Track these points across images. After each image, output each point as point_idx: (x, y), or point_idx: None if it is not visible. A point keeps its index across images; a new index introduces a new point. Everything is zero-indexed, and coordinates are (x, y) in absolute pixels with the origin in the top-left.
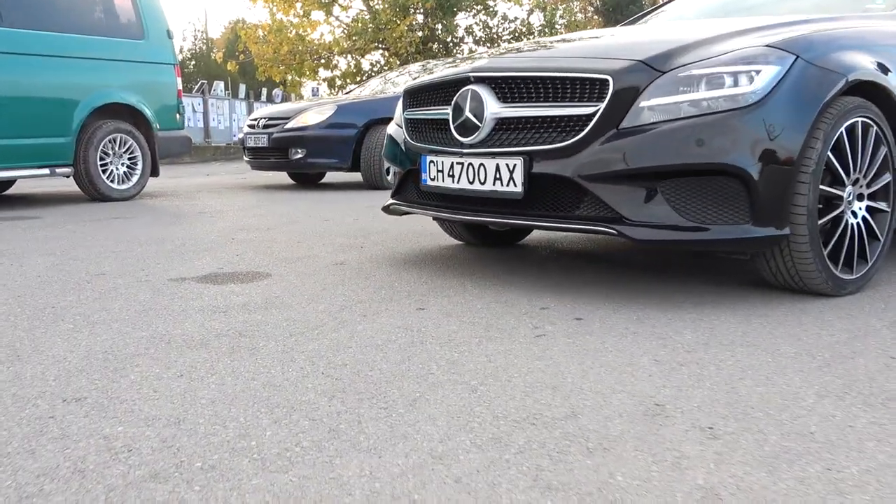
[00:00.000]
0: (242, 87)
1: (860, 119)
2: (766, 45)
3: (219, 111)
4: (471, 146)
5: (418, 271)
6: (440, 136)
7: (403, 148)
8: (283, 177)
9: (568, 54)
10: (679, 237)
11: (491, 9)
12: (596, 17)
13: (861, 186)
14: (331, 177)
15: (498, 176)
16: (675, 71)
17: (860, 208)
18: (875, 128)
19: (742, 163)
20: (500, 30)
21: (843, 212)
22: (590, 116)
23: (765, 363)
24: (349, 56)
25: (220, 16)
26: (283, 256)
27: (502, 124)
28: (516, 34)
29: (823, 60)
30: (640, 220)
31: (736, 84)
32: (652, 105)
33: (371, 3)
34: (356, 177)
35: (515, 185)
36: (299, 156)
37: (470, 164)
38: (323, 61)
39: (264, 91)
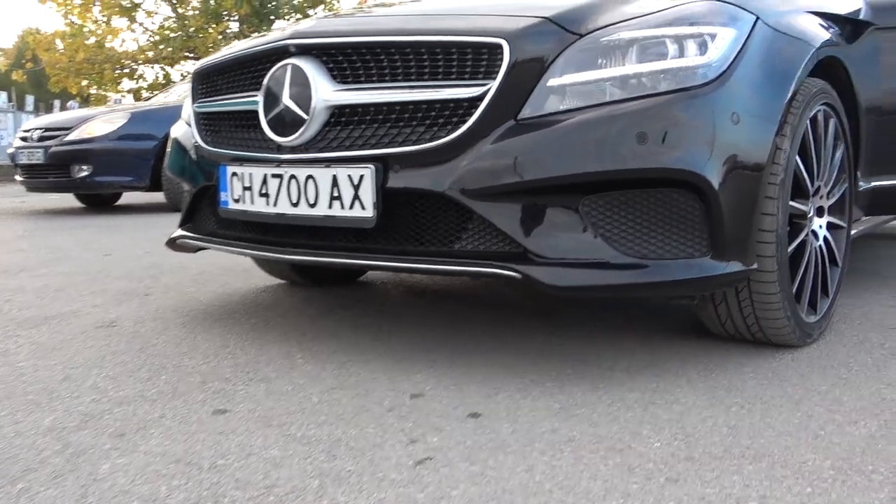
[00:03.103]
0: (31, 99)
1: (822, 108)
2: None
3: (1, 125)
4: (293, 150)
5: (223, 333)
6: (247, 137)
7: (194, 155)
8: (70, 199)
9: (438, 10)
10: (611, 280)
11: (310, 17)
12: None
13: (822, 198)
14: (131, 197)
15: (336, 194)
16: (597, 34)
17: (821, 226)
18: (835, 119)
19: (698, 167)
20: None
21: (807, 234)
22: (475, 102)
23: (808, 499)
24: (156, 66)
25: (13, 24)
26: (25, 317)
27: (341, 116)
28: None
29: (787, 24)
30: (552, 256)
31: (682, 53)
32: (565, 84)
33: (180, 10)
34: (160, 197)
35: (363, 206)
36: (84, 173)
37: (292, 176)
38: (126, 71)
39: (57, 103)
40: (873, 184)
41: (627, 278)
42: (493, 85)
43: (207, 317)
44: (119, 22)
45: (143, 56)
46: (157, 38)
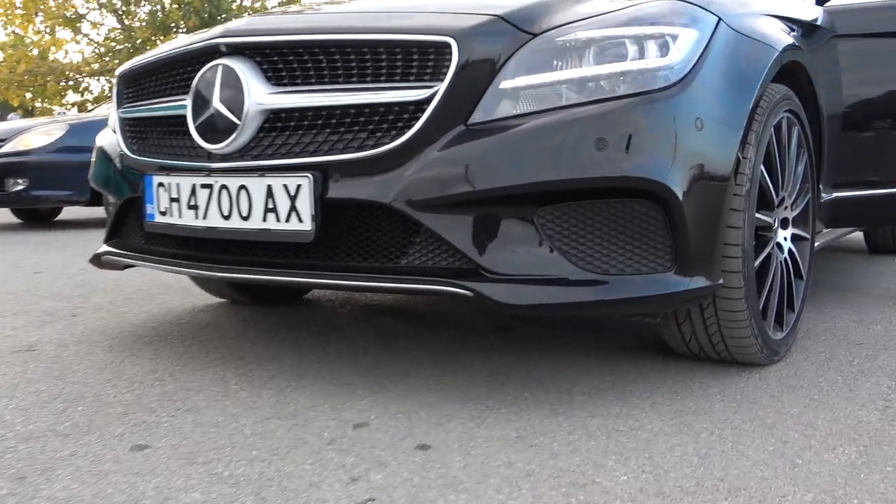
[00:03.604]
0: None
1: (785, 115)
2: None
3: None
4: (224, 158)
5: (153, 358)
6: (175, 145)
7: (119, 165)
8: (6, 214)
9: (383, 8)
10: (569, 297)
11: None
12: None
13: (786, 209)
14: (71, 213)
15: (271, 206)
16: (552, 34)
17: (785, 238)
18: (798, 127)
19: (660, 175)
20: None
21: (772, 247)
22: (421, 106)
23: None
24: (102, 78)
25: None
26: None
27: (276, 121)
28: None
29: (749, 27)
30: (506, 272)
31: (642, 54)
32: (518, 87)
33: (127, 21)
34: (101, 212)
35: (301, 219)
36: (20, 187)
37: (223, 186)
38: (71, 83)
39: None
40: (834, 195)
41: (586, 295)
42: (441, 87)
43: (138, 339)
44: (63, 33)
45: (88, 68)
46: (102, 49)
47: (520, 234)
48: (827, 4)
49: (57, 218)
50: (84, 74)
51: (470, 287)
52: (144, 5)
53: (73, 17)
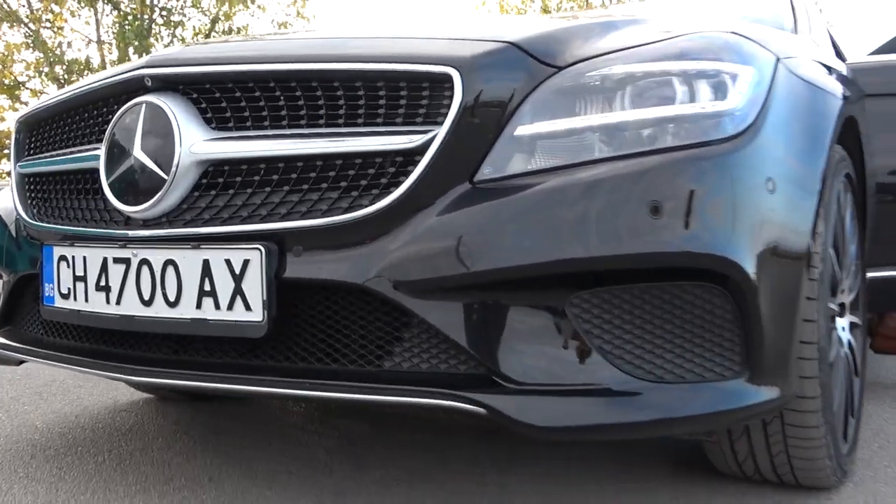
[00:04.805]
0: None
1: (843, 181)
2: (733, 32)
3: None
4: (147, 223)
5: (54, 480)
6: (84, 207)
7: (14, 232)
8: None
9: (362, 34)
10: (616, 416)
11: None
12: None
13: (842, 292)
14: None
15: (208, 288)
16: (581, 67)
17: (843, 328)
18: (850, 195)
19: (729, 251)
20: None
21: (837, 341)
22: (413, 156)
23: None
24: None
25: None
26: None
27: (218, 175)
28: None
29: (807, 71)
30: (529, 382)
31: (692, 97)
32: (538, 134)
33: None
34: None
35: (249, 306)
36: None
37: (144, 261)
38: (6, 151)
39: None
40: (869, 275)
41: (638, 413)
42: (440, 132)
43: (38, 452)
44: (1, 100)
45: None
46: None
47: (547, 328)
48: (849, 62)
49: None
50: None
51: (481, 401)
52: (87, 74)
53: (12, 84)
